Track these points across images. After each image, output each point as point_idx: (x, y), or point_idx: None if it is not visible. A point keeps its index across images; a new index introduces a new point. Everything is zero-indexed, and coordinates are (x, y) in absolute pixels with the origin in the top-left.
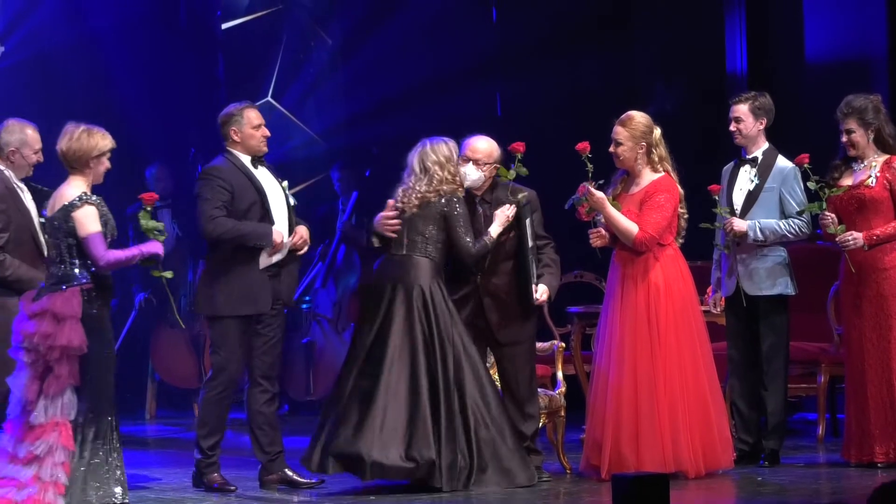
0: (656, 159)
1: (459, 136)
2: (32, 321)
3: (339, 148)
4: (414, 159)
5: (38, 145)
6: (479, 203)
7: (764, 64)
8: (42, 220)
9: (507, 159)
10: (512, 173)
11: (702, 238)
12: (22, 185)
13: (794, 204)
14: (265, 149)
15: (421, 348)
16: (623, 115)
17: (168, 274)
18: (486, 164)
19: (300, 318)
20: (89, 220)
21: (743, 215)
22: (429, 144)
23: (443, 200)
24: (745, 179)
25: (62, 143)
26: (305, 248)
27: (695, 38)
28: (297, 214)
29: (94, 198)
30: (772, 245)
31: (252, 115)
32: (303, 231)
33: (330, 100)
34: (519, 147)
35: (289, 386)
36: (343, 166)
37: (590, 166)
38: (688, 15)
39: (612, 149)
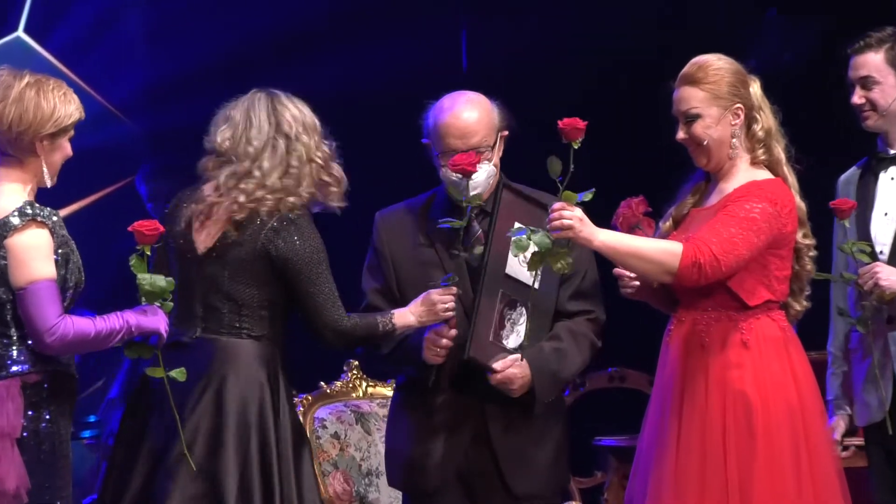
0: (761, 136)
1: (392, 111)
2: None
3: (154, 133)
4: (231, 125)
5: None
6: (474, 217)
7: None
8: None
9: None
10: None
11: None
12: None
13: None
14: None
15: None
16: (687, 67)
17: (179, 375)
18: (489, 146)
19: (82, 454)
20: (34, 256)
21: (894, 259)
22: (266, 96)
23: (273, 225)
24: (894, 193)
25: None
26: None
27: None
28: None
29: (45, 212)
30: None
31: None
32: None
33: (138, 46)
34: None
35: None
36: (158, 172)
37: (555, 170)
38: None
39: (680, 134)
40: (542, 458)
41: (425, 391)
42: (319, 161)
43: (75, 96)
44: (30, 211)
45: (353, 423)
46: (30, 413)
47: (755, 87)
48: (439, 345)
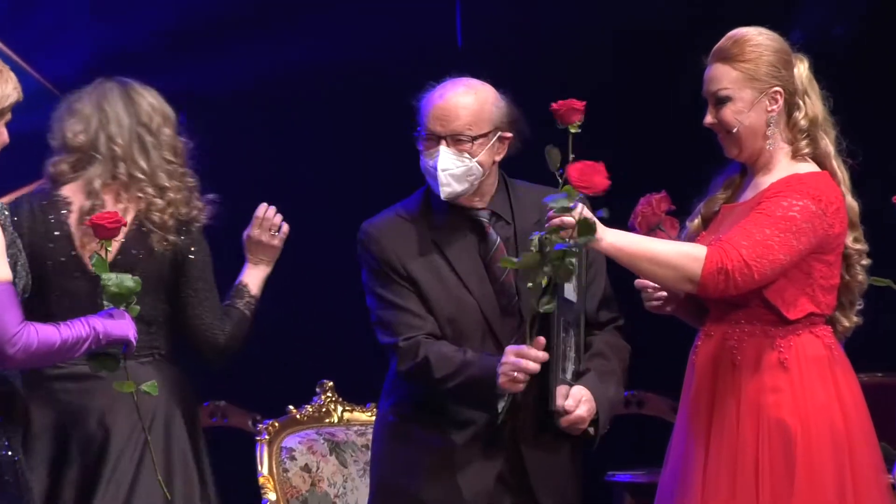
0: (803, 125)
1: (374, 95)
2: None
3: None
4: (81, 118)
5: None
6: (489, 223)
7: None
8: None
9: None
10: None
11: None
12: None
13: None
14: None
15: None
16: (722, 41)
17: (151, 389)
18: (478, 137)
19: None
20: None
21: None
22: (119, 85)
23: (178, 231)
24: None
25: None
26: None
27: None
28: None
29: None
30: None
31: None
32: None
33: (81, 15)
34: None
35: None
36: None
37: (553, 159)
38: None
39: (708, 118)
40: (571, 492)
41: (438, 416)
42: (180, 159)
43: (12, 74)
44: None
45: (326, 453)
46: None
47: (801, 69)
48: (524, 369)
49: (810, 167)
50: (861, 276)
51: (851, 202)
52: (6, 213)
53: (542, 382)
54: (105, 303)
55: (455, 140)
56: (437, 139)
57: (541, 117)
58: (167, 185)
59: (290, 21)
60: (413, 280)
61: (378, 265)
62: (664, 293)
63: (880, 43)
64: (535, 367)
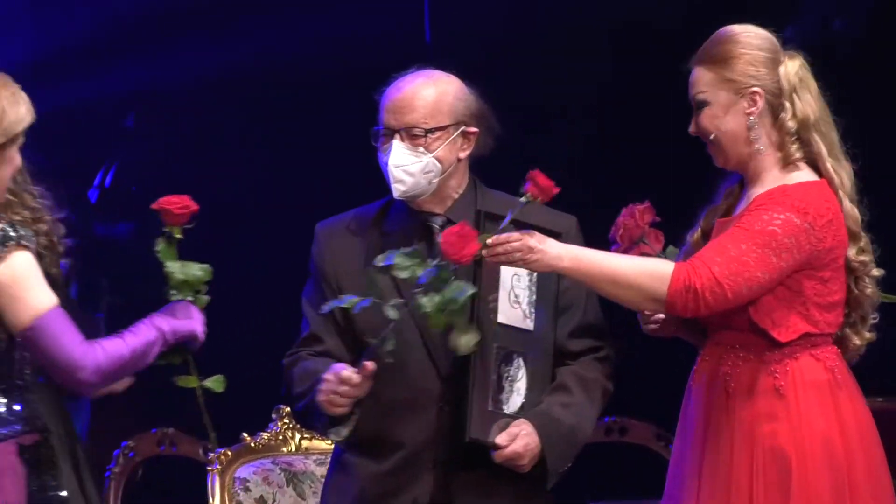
0: (791, 126)
1: (337, 91)
2: None
3: (41, 115)
4: None
5: None
6: (439, 231)
7: None
8: None
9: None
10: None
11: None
12: None
13: None
14: None
15: None
16: (711, 38)
17: (215, 385)
18: (434, 130)
19: None
20: (31, 286)
21: None
22: None
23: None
24: None
25: None
26: None
27: None
28: None
29: (22, 232)
30: None
31: None
32: None
33: (22, 11)
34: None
35: None
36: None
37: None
38: None
39: (691, 126)
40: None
41: (372, 443)
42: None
43: (24, 95)
44: (13, 234)
45: (283, 484)
46: (33, 477)
47: (789, 66)
48: (338, 391)
49: (804, 175)
50: (870, 289)
51: (851, 211)
52: (33, 239)
53: (463, 413)
54: (173, 293)
55: (410, 134)
56: (391, 133)
57: (515, 115)
58: (36, 206)
59: (249, 14)
60: (340, 285)
61: (315, 270)
62: (662, 315)
63: (888, 38)
64: (345, 389)
